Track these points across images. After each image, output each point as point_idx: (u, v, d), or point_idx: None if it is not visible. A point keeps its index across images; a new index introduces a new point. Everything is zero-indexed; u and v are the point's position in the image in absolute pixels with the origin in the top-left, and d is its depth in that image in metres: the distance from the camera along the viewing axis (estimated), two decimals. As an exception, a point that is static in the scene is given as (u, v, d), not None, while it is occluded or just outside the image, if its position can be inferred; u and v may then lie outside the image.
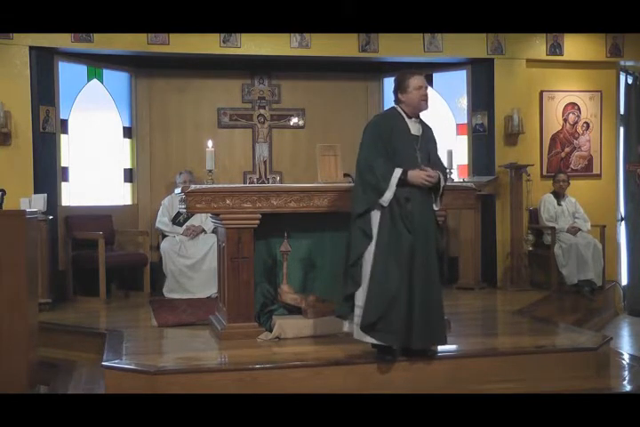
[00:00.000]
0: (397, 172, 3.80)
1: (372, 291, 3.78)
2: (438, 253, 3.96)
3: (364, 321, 3.79)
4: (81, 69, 6.93)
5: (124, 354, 4.11)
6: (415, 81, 3.92)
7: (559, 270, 6.73)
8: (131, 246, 7.12)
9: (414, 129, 3.96)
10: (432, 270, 3.86)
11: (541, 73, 7.29)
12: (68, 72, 6.75)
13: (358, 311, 3.85)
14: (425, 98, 3.95)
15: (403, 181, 3.79)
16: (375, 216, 3.84)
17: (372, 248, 3.82)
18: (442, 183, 3.92)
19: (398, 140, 3.88)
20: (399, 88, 3.95)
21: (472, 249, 6.91)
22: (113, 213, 7.00)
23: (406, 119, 3.96)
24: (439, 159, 4.08)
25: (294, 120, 7.62)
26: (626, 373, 4.46)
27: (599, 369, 4.15)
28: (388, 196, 3.80)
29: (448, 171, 5.40)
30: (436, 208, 3.96)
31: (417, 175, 3.81)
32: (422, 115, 4.06)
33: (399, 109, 3.98)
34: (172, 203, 6.85)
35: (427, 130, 4.04)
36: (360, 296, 3.84)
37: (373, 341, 3.84)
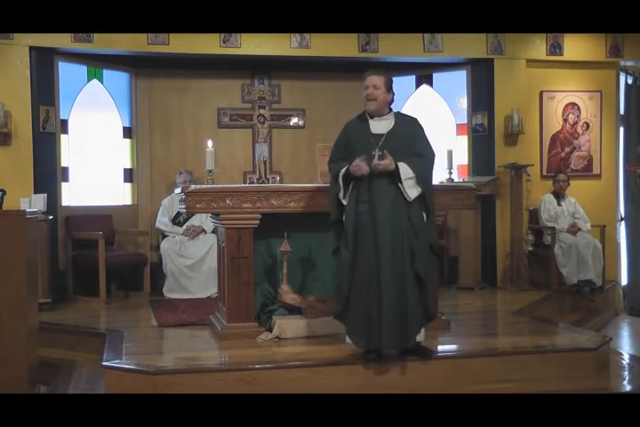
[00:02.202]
0: (343, 169, 3.90)
1: (336, 288, 3.94)
2: (414, 251, 3.84)
3: (334, 312, 3.98)
4: (81, 69, 6.93)
5: (124, 354, 4.11)
6: (365, 81, 3.98)
7: (559, 270, 6.73)
8: (131, 246, 7.12)
9: (377, 128, 3.95)
10: (403, 270, 3.79)
11: (541, 73, 7.29)
12: (67, 72, 6.74)
13: None
14: (368, 97, 3.94)
15: (347, 178, 3.87)
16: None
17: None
18: (404, 175, 3.80)
19: (357, 141, 3.94)
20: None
21: (472, 249, 6.91)
22: (113, 213, 7.00)
23: (369, 119, 3.98)
24: (420, 150, 3.93)
25: (294, 120, 7.62)
26: (626, 373, 4.47)
27: (599, 369, 4.15)
28: (341, 194, 3.92)
29: (449, 171, 5.43)
30: (408, 199, 3.83)
31: (352, 166, 3.83)
32: (411, 112, 4.10)
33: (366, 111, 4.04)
34: (171, 203, 6.85)
35: (401, 125, 3.97)
36: None
37: (349, 341, 3.90)
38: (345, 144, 4.01)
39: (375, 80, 3.95)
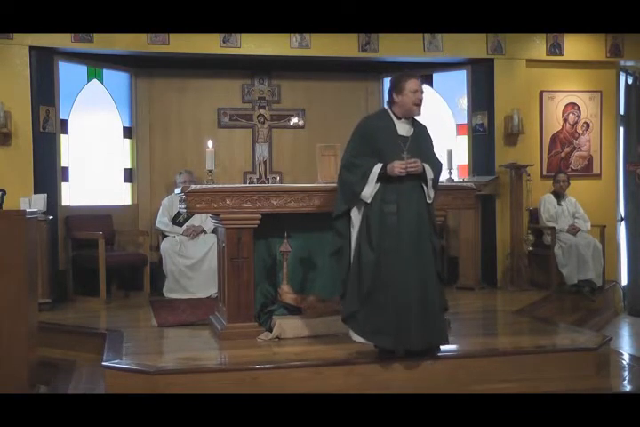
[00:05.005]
0: (377, 167, 3.83)
1: (350, 288, 3.87)
2: (435, 251, 3.93)
3: (342, 314, 3.91)
4: (81, 69, 6.92)
5: (124, 354, 4.11)
6: (412, 84, 3.93)
7: (559, 270, 6.73)
8: (131, 246, 7.12)
9: (403, 130, 3.95)
10: (427, 269, 3.85)
11: (541, 73, 7.29)
12: (67, 72, 6.74)
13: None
14: (419, 102, 3.94)
15: (384, 175, 3.81)
16: (355, 216, 3.89)
17: (353, 247, 3.89)
18: (429, 175, 3.89)
19: (384, 142, 3.90)
20: (395, 89, 3.95)
21: (472, 249, 6.91)
22: (113, 213, 7.00)
23: (395, 120, 3.96)
24: (434, 156, 4.04)
25: (294, 120, 7.62)
26: (626, 373, 4.47)
27: (599, 369, 4.15)
28: (367, 191, 3.82)
29: (449, 171, 5.44)
30: (428, 201, 3.93)
31: (392, 166, 3.80)
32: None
33: (389, 111, 4.00)
34: (172, 203, 6.85)
35: (419, 129, 4.03)
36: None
37: (368, 342, 3.87)
38: (369, 141, 3.92)
39: (421, 85, 4.01)
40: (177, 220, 6.87)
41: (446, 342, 3.94)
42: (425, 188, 3.90)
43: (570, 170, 7.37)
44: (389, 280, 3.79)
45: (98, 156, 7.10)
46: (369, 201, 3.83)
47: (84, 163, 6.98)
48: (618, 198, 7.69)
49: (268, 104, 7.59)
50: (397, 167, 3.78)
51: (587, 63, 7.35)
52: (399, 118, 3.97)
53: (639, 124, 7.64)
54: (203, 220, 6.73)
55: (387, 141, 3.90)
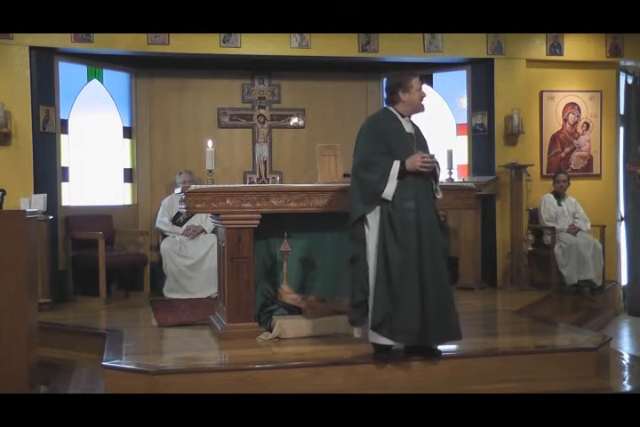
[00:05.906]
0: (396, 164, 3.82)
1: (378, 291, 3.79)
2: (444, 248, 3.97)
3: (372, 321, 3.80)
4: (81, 69, 6.93)
5: (124, 354, 4.11)
6: (417, 82, 3.97)
7: (559, 270, 6.73)
8: (131, 246, 7.11)
9: (407, 128, 3.99)
10: (440, 265, 3.88)
11: (541, 73, 7.29)
12: (67, 72, 6.74)
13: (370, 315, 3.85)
14: (422, 100, 4.01)
15: (402, 173, 3.81)
16: (372, 217, 3.85)
17: (373, 250, 3.83)
18: (438, 171, 3.95)
19: (395, 140, 3.91)
20: (401, 87, 3.94)
21: (472, 249, 6.91)
22: (113, 213, 7.00)
23: (400, 118, 3.98)
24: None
25: (294, 120, 7.62)
26: (626, 373, 4.47)
27: (599, 369, 4.15)
28: (390, 189, 3.80)
29: (449, 171, 5.46)
30: (438, 196, 3.98)
31: (413, 161, 3.81)
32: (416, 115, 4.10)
33: (391, 109, 4.00)
34: (172, 203, 6.85)
35: (417, 128, 4.08)
36: (370, 299, 3.85)
37: (388, 342, 3.82)
38: (382, 139, 3.91)
39: None
40: (177, 220, 6.87)
41: (460, 338, 3.95)
42: (434, 184, 3.95)
43: (570, 170, 7.38)
44: (412, 277, 3.78)
45: (98, 156, 7.10)
46: (390, 199, 3.81)
47: (84, 163, 6.98)
48: (618, 198, 7.69)
49: (268, 104, 7.59)
50: (419, 161, 3.79)
51: (587, 63, 7.35)
52: (403, 117, 3.99)
53: (639, 124, 7.64)
54: (203, 220, 6.74)
55: (397, 139, 3.92)
